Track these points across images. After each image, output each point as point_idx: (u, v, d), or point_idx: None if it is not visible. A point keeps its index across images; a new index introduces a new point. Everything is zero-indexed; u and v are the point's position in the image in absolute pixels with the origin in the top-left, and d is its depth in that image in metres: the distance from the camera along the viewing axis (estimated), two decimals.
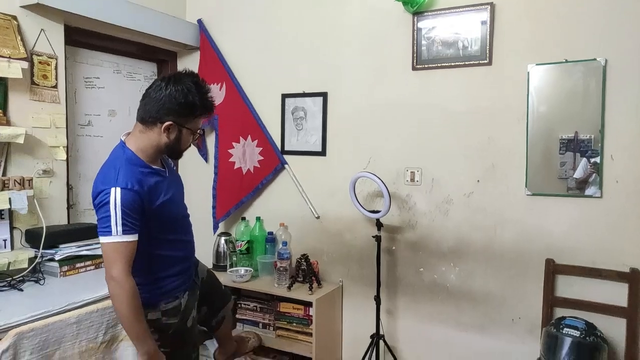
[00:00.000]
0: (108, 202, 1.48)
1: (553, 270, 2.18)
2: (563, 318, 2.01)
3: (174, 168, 1.89)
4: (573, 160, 2.14)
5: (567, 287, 2.18)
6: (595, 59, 2.09)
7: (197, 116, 1.64)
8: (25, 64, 2.16)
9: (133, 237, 1.51)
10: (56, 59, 2.37)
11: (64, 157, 2.39)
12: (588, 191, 2.12)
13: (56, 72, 2.37)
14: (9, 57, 2.09)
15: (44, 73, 2.32)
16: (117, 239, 1.48)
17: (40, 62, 2.30)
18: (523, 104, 2.24)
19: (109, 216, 1.48)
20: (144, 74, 3.11)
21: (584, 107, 2.12)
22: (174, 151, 1.68)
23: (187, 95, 1.57)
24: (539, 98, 2.22)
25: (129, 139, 1.65)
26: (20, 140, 2.11)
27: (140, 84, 3.08)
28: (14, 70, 2.09)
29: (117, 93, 2.91)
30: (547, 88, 2.20)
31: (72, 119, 2.58)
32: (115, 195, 1.48)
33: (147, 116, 1.59)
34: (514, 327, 2.30)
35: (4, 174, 2.14)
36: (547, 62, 2.19)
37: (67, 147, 2.43)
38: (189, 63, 3.18)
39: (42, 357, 1.46)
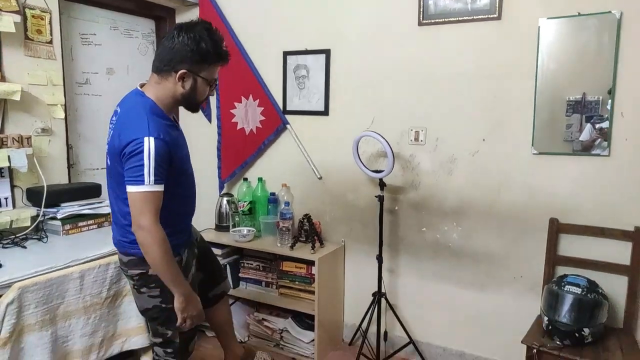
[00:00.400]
0: (142, 152, 1.46)
1: (557, 229, 2.17)
2: (565, 276, 2.01)
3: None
4: (579, 122, 2.10)
5: (570, 246, 2.18)
6: (610, 12, 2.01)
7: (210, 64, 1.60)
8: (18, 17, 2.09)
9: (162, 188, 1.51)
10: (50, 13, 2.30)
11: (62, 115, 2.35)
12: (595, 151, 2.08)
13: (50, 27, 2.30)
14: (0, 10, 2.02)
15: (38, 28, 2.25)
16: (149, 188, 1.46)
17: (33, 16, 2.23)
18: (532, 60, 2.17)
19: (142, 165, 1.46)
20: (141, 31, 3.02)
21: (595, 64, 2.05)
22: (191, 102, 1.64)
23: (200, 42, 1.55)
24: (549, 54, 2.14)
25: (146, 88, 1.63)
26: (17, 97, 2.07)
27: (138, 41, 3.00)
28: (6, 23, 2.03)
29: (114, 51, 2.84)
30: (558, 43, 2.12)
31: (69, 77, 2.53)
32: (150, 144, 1.47)
33: (162, 65, 1.57)
34: (515, 285, 2.31)
35: (1, 131, 2.11)
36: (559, 16, 2.11)
37: (65, 105, 2.39)
38: (187, 19, 3.06)
39: (46, 310, 1.47)
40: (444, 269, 2.49)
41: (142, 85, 1.66)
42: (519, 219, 2.28)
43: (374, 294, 2.48)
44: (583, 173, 2.13)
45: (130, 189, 1.48)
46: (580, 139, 2.11)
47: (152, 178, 1.46)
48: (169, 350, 1.70)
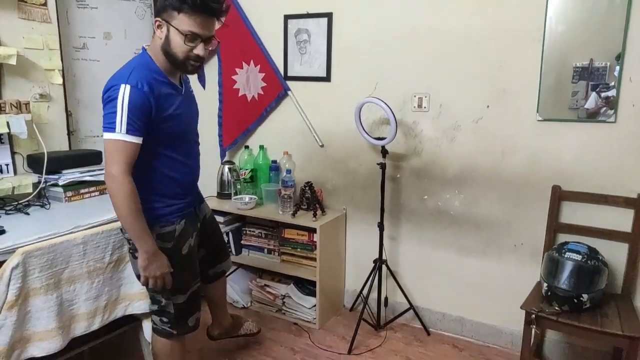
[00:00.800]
0: (116, 98, 1.44)
1: (559, 196, 2.16)
2: (566, 243, 2.02)
3: (192, 92, 1.81)
4: (585, 90, 2.06)
5: (572, 213, 2.18)
6: None
7: (180, 12, 1.47)
8: None
9: (137, 139, 1.47)
10: None
11: (60, 80, 2.32)
12: (601, 117, 2.05)
13: None
14: None
15: None
16: (120, 136, 1.44)
17: None
18: (540, 24, 2.10)
19: (115, 112, 1.44)
20: None
21: (604, 27, 1.99)
22: (170, 56, 1.55)
23: None
24: (557, 17, 2.08)
25: (149, 44, 1.60)
26: (13, 62, 2.04)
27: (135, 4, 2.92)
28: None
29: (111, 14, 2.77)
30: (568, 5, 2.06)
31: (65, 41, 2.48)
32: (124, 92, 1.44)
33: (154, 17, 1.54)
34: (515, 252, 2.33)
35: None
36: None
37: (63, 71, 2.35)
38: None
39: (51, 275, 1.49)
40: (445, 236, 2.50)
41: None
42: (522, 186, 2.27)
43: (375, 261, 2.50)
44: (588, 140, 2.10)
45: (104, 135, 1.46)
46: (585, 106, 2.07)
47: (123, 127, 1.43)
48: (164, 319, 1.72)
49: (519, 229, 2.31)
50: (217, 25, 1.59)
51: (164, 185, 1.63)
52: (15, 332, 1.42)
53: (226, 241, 2.82)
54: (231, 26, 2.86)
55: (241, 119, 2.94)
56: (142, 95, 1.46)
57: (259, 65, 2.84)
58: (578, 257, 1.91)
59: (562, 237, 2.19)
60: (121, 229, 1.64)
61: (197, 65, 1.57)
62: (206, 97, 3.04)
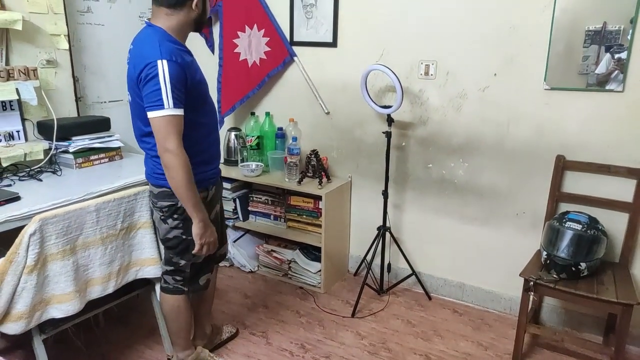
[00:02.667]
0: (157, 75, 1.46)
1: (563, 166, 2.18)
2: (567, 212, 2.05)
3: None
4: (597, 54, 2.03)
5: (574, 183, 2.20)
6: None
7: None
8: None
9: (181, 112, 1.52)
10: None
11: (66, 46, 2.31)
12: (609, 86, 2.04)
13: None
14: None
15: None
16: (170, 112, 1.48)
17: None
18: None
19: (159, 89, 1.47)
20: None
21: None
22: (201, 22, 1.68)
23: None
24: None
25: (155, 21, 1.60)
26: (19, 27, 2.03)
27: None
28: None
29: None
30: None
31: (70, 5, 2.44)
32: (163, 67, 1.46)
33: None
34: (517, 220, 2.37)
35: (6, 63, 2.09)
36: None
37: (69, 36, 2.34)
38: None
39: (66, 241, 1.55)
40: (448, 204, 2.54)
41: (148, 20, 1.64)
42: (526, 156, 2.28)
43: (378, 228, 2.56)
44: (594, 109, 2.10)
45: (151, 114, 1.49)
46: (596, 71, 2.05)
47: (171, 102, 1.47)
48: (178, 278, 1.80)
49: (522, 198, 2.34)
50: None
51: (199, 152, 1.68)
52: (36, 294, 1.49)
53: (234, 207, 2.88)
54: None
55: (240, 85, 2.90)
56: (177, 67, 1.49)
57: (263, 30, 2.80)
58: (578, 227, 1.94)
59: (563, 207, 2.22)
60: (152, 196, 1.71)
61: None
62: (205, 62, 3.01)
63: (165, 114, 1.48)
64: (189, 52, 1.65)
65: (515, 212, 2.37)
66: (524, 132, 2.27)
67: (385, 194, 2.51)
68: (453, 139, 2.45)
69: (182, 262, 1.78)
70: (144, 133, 1.64)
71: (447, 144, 2.47)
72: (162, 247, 1.81)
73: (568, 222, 1.97)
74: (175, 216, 1.69)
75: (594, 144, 2.13)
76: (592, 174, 2.14)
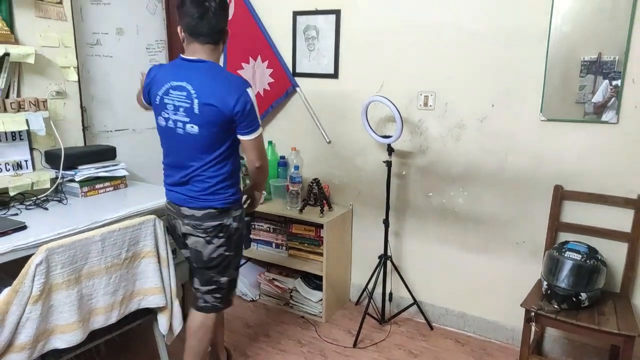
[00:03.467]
0: (251, 102, 1.67)
1: (561, 196, 2.21)
2: (566, 242, 2.07)
3: None
4: (593, 83, 2.08)
5: (573, 212, 2.23)
6: None
7: None
8: None
9: None
10: None
11: (76, 77, 2.38)
12: (605, 117, 2.09)
13: None
14: None
15: None
16: (261, 129, 1.75)
17: None
18: (545, 23, 2.13)
19: (256, 114, 1.70)
20: None
21: (610, 26, 2.02)
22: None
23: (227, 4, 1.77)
24: (562, 17, 2.11)
25: (201, 57, 1.70)
26: (31, 60, 2.09)
27: (147, 0, 2.96)
28: None
29: (123, 10, 2.81)
30: (573, 5, 2.08)
31: (80, 38, 2.52)
32: (251, 94, 1.68)
33: (217, 35, 1.71)
34: (517, 249, 2.38)
35: (18, 95, 2.14)
36: None
37: (78, 67, 2.41)
38: None
39: (72, 270, 1.56)
40: (449, 233, 2.56)
41: (184, 58, 1.73)
42: (525, 185, 2.32)
43: (380, 257, 2.57)
44: (590, 140, 2.14)
45: (252, 136, 1.72)
46: (593, 100, 2.10)
47: (259, 122, 1.74)
48: (217, 295, 1.88)
49: (521, 227, 2.36)
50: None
51: (238, 171, 1.85)
52: (40, 325, 1.50)
53: None
54: (240, 21, 2.89)
55: None
56: None
57: (267, 61, 2.88)
58: (577, 257, 1.96)
59: (563, 236, 2.24)
60: (193, 220, 1.77)
61: None
62: None
63: (260, 132, 1.74)
64: None
65: (515, 240, 2.38)
66: (522, 161, 2.31)
67: (386, 222, 2.53)
68: (453, 168, 2.49)
69: (223, 280, 1.86)
70: (207, 162, 1.72)
71: (446, 173, 2.51)
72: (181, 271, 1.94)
73: (567, 252, 1.99)
74: (221, 234, 1.78)
75: (591, 174, 2.16)
76: (590, 204, 2.17)
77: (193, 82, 1.65)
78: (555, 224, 2.24)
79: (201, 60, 1.69)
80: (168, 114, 1.71)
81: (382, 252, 2.57)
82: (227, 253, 1.81)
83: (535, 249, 2.32)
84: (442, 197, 2.54)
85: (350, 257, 2.89)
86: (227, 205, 1.78)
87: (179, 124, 1.69)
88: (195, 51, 1.69)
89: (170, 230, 1.90)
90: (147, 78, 1.80)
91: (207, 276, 1.85)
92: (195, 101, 1.64)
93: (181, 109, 1.67)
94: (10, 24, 2.09)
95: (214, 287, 1.85)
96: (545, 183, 2.26)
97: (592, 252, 1.99)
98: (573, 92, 2.13)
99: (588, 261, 1.94)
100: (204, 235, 1.78)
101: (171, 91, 1.69)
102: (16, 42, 2.09)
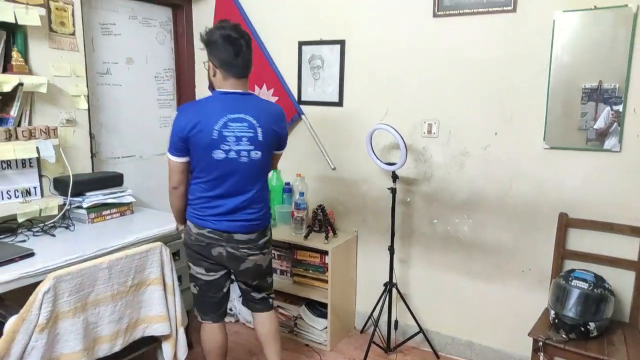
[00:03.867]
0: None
1: (566, 224, 2.21)
2: (572, 270, 2.06)
3: None
4: (595, 110, 2.11)
5: (578, 240, 2.22)
6: (626, 5, 2.01)
7: None
8: (43, 11, 2.15)
9: None
10: (72, 5, 2.34)
11: (86, 106, 2.43)
12: (607, 144, 2.11)
13: (73, 19, 2.35)
14: (27, 4, 2.08)
15: (61, 20, 2.31)
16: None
17: (57, 9, 2.28)
18: (546, 53, 2.18)
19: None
20: (159, 19, 3.06)
21: (610, 56, 2.06)
22: None
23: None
24: (563, 47, 2.15)
25: (245, 89, 1.89)
26: (43, 90, 2.14)
27: (156, 30, 3.04)
28: (32, 17, 2.09)
29: (133, 40, 2.89)
30: (573, 36, 2.13)
31: (91, 67, 2.59)
32: None
33: (249, 65, 1.89)
34: (523, 277, 2.37)
35: (29, 123, 2.19)
36: (575, 9, 2.11)
37: (88, 96, 2.46)
38: (204, 7, 3.12)
39: (78, 298, 1.57)
40: (454, 260, 2.55)
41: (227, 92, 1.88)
42: (529, 212, 2.32)
43: (385, 284, 2.56)
44: (593, 168, 2.15)
45: (283, 149, 2.04)
46: (595, 126, 2.12)
47: None
48: (272, 291, 2.17)
49: (527, 254, 2.35)
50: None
51: None
52: (45, 353, 1.50)
53: None
54: None
55: None
56: None
57: (273, 89, 2.93)
58: (584, 285, 1.95)
59: (569, 264, 2.23)
60: (250, 243, 1.94)
61: None
62: None
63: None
64: None
65: (521, 268, 2.37)
66: (526, 189, 2.32)
67: (391, 249, 2.53)
68: (457, 195, 2.50)
69: (272, 278, 2.18)
70: (263, 182, 1.96)
71: (451, 200, 2.52)
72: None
73: (574, 281, 1.98)
74: (269, 245, 2.06)
75: (596, 201, 2.17)
76: (596, 232, 2.17)
77: (251, 113, 1.83)
78: (561, 252, 2.23)
79: (247, 93, 1.88)
80: (229, 145, 1.81)
81: (387, 279, 2.56)
82: (272, 258, 2.17)
83: (542, 277, 2.31)
84: (447, 224, 2.55)
85: (355, 284, 2.88)
86: (270, 220, 2.05)
87: (243, 153, 1.83)
88: (235, 85, 1.85)
89: (205, 254, 1.94)
90: (178, 126, 1.82)
91: (267, 282, 2.12)
92: (259, 129, 1.83)
93: (244, 139, 1.82)
94: (25, 55, 2.16)
95: (271, 286, 2.15)
96: (549, 210, 2.26)
97: (599, 280, 1.98)
98: (575, 119, 2.16)
99: (595, 290, 1.93)
100: (260, 251, 1.99)
101: (230, 124, 1.80)
102: (30, 72, 2.15)
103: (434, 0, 2.40)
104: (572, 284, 1.97)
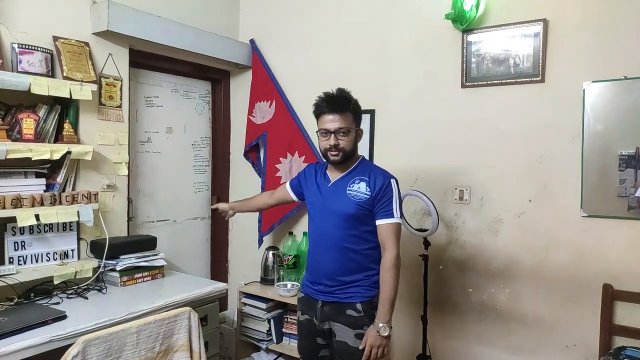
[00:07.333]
0: (392, 190, 1.92)
1: (611, 296, 2.08)
2: (623, 348, 1.92)
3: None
4: (634, 177, 2.06)
5: (628, 314, 2.08)
6: None
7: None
8: (95, 87, 2.33)
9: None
10: (121, 81, 2.54)
11: (126, 172, 2.55)
12: None
13: (121, 93, 2.54)
14: (81, 81, 2.27)
15: (110, 94, 2.49)
16: (398, 220, 1.89)
17: (107, 84, 2.47)
18: (578, 122, 2.17)
19: (392, 201, 1.88)
20: (198, 92, 3.26)
21: None
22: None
23: None
24: (595, 116, 2.15)
25: None
26: (89, 157, 2.28)
27: (195, 102, 3.23)
28: (85, 92, 2.27)
29: (174, 111, 3.07)
30: (604, 106, 2.13)
31: (133, 136, 2.75)
32: (395, 184, 1.95)
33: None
34: (568, 353, 2.21)
35: (73, 188, 2.31)
36: (604, 80, 2.12)
37: (129, 163, 2.59)
38: (241, 81, 3.31)
39: None
40: (492, 332, 2.42)
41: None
42: (570, 283, 2.21)
43: (418, 356, 2.43)
44: (636, 237, 2.06)
45: (386, 221, 1.88)
46: (636, 194, 2.05)
47: (398, 213, 1.91)
48: None
49: (570, 328, 2.21)
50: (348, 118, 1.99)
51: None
52: None
53: (267, 329, 2.83)
54: (280, 120, 3.09)
55: (280, 206, 3.04)
56: None
57: (304, 156, 3.01)
58: None
59: (618, 340, 2.08)
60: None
61: (334, 154, 1.94)
62: (250, 183, 3.21)
63: (395, 222, 1.93)
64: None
65: (565, 344, 2.22)
66: (564, 258, 2.22)
67: (424, 319, 2.42)
68: (491, 263, 2.42)
69: None
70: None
71: (485, 268, 2.43)
72: None
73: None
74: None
75: None
76: None
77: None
78: (608, 327, 2.08)
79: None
80: None
81: (420, 351, 2.43)
82: None
83: (589, 353, 2.15)
84: (482, 293, 2.44)
85: (387, 355, 2.74)
86: None
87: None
88: None
89: None
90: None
91: None
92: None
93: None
94: (76, 125, 2.32)
95: None
96: (591, 282, 2.15)
97: None
98: (614, 186, 2.10)
99: None
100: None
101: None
102: (78, 141, 2.30)
103: (462, 72, 2.48)
104: None
